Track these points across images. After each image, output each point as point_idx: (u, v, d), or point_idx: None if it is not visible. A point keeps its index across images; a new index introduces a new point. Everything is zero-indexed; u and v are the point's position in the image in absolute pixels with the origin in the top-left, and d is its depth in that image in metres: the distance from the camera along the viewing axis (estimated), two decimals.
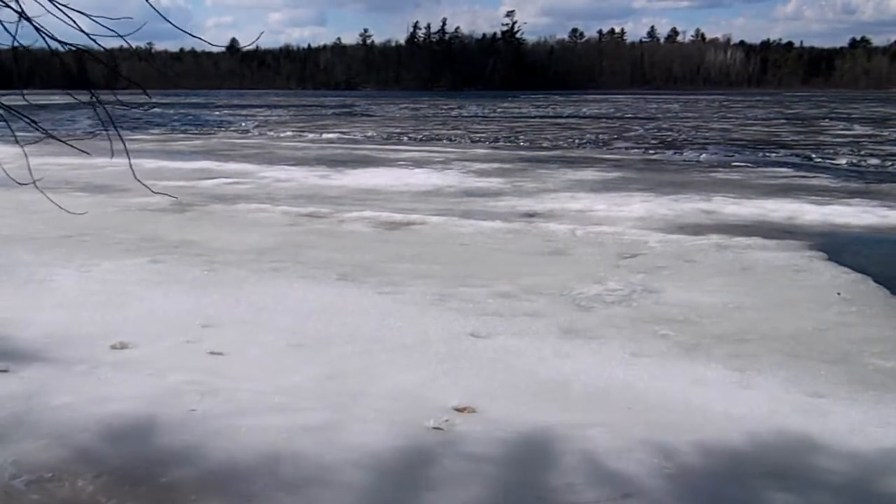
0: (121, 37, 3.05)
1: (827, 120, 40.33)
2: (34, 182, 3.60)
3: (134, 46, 3.28)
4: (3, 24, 2.96)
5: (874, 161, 19.58)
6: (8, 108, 3.25)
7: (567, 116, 45.84)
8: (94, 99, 3.27)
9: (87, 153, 4.65)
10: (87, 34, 3.04)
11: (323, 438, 3.87)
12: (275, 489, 3.41)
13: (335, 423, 4.07)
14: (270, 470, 3.56)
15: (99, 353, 5.08)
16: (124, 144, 3.45)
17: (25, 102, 3.63)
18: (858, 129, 32.78)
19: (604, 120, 41.77)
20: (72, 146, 3.91)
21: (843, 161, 19.77)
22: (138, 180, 3.53)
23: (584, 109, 54.73)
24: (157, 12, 3.35)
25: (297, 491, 3.40)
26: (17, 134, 3.45)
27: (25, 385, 4.48)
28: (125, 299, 6.42)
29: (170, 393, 4.41)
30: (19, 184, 3.88)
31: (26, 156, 3.55)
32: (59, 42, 3.02)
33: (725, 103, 65.95)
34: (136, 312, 6.05)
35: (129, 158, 3.48)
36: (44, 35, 3.00)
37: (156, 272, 7.44)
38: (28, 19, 2.98)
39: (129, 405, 4.22)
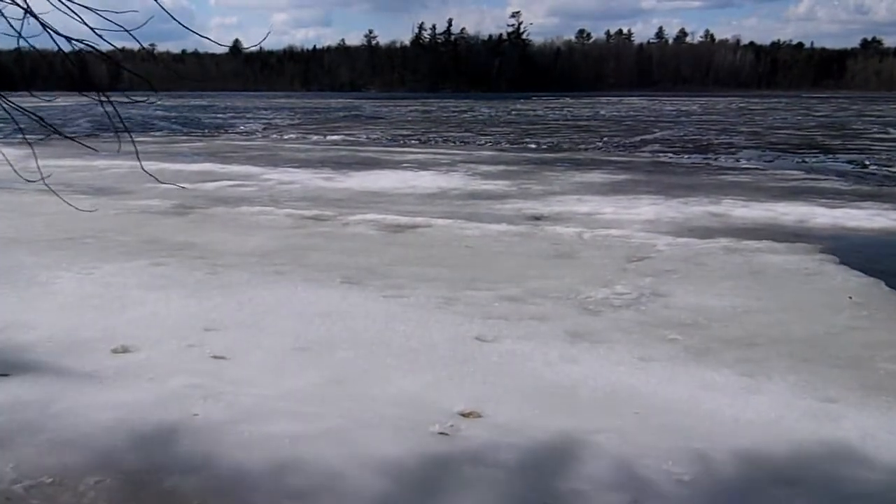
0: (126, 31, 3.02)
1: (859, 122, 39.50)
2: (42, 179, 3.57)
3: (139, 44, 3.25)
4: (6, 20, 2.93)
5: None
6: (18, 107, 3.22)
7: (587, 119, 44.89)
8: (101, 97, 3.24)
9: (94, 150, 4.64)
10: (93, 29, 3.00)
11: (327, 444, 3.84)
12: (278, 495, 3.38)
13: (339, 428, 4.03)
14: (274, 476, 3.53)
15: (100, 357, 5.04)
16: (132, 139, 3.42)
17: (31, 102, 3.60)
18: (895, 133, 32.08)
19: (627, 122, 41.07)
20: (80, 143, 3.89)
21: None
22: (145, 171, 3.50)
23: (602, 112, 53.46)
24: (164, 10, 3.32)
25: (302, 497, 3.37)
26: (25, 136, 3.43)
27: (27, 389, 4.45)
28: (127, 302, 6.39)
29: (172, 397, 4.37)
30: (27, 180, 3.86)
31: (35, 154, 3.52)
32: (65, 37, 2.99)
33: (743, 105, 65.04)
34: (137, 316, 6.01)
35: (136, 152, 3.44)
36: (49, 32, 2.96)
37: (158, 275, 7.40)
38: (34, 15, 2.95)
39: (131, 410, 4.19)
